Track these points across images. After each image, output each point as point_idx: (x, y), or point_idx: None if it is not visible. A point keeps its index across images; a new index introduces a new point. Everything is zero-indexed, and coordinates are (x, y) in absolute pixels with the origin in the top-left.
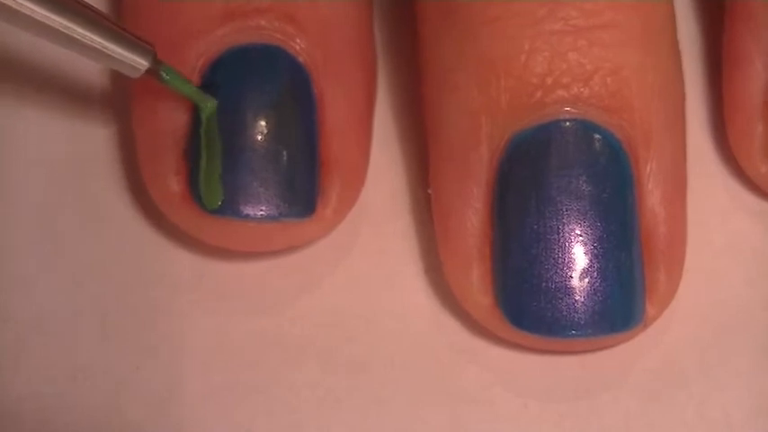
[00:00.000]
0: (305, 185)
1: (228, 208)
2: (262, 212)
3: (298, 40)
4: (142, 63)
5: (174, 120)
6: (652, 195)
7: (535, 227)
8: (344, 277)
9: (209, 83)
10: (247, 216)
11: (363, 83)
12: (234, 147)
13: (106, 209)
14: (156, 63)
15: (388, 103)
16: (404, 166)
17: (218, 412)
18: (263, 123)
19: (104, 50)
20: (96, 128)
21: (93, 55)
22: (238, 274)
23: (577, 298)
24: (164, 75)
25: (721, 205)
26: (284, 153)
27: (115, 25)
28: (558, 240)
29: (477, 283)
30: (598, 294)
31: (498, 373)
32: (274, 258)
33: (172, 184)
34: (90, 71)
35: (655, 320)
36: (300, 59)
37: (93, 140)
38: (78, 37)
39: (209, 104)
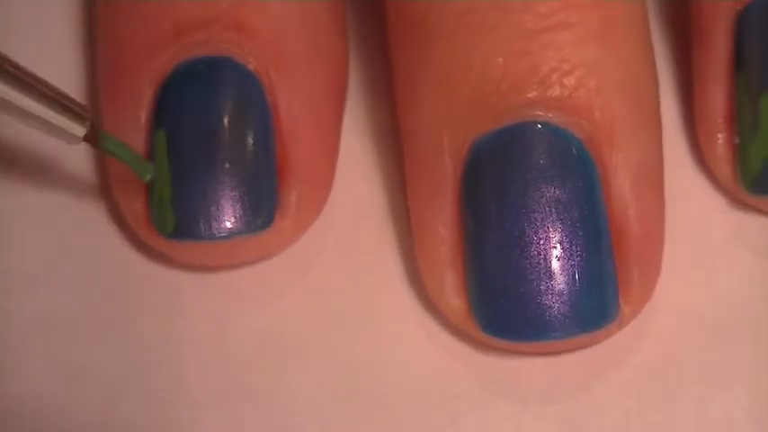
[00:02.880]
0: (260, 199)
1: (180, 231)
2: (213, 232)
3: (247, 48)
4: (78, 131)
5: (135, 142)
6: (620, 192)
7: (498, 233)
8: (344, 277)
9: (163, 104)
10: (199, 237)
11: (324, 84)
12: (182, 167)
13: (106, 209)
14: (94, 130)
15: (386, 99)
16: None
17: (217, 413)
18: (210, 140)
19: (37, 116)
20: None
21: (25, 120)
22: (237, 274)
23: (544, 301)
24: (102, 142)
25: (721, 203)
26: (235, 168)
27: (50, 91)
28: (521, 245)
29: (451, 291)
30: (565, 296)
31: (498, 373)
32: (275, 259)
33: (135, 206)
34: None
35: (632, 318)
36: (250, 67)
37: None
38: (10, 100)
39: (148, 173)
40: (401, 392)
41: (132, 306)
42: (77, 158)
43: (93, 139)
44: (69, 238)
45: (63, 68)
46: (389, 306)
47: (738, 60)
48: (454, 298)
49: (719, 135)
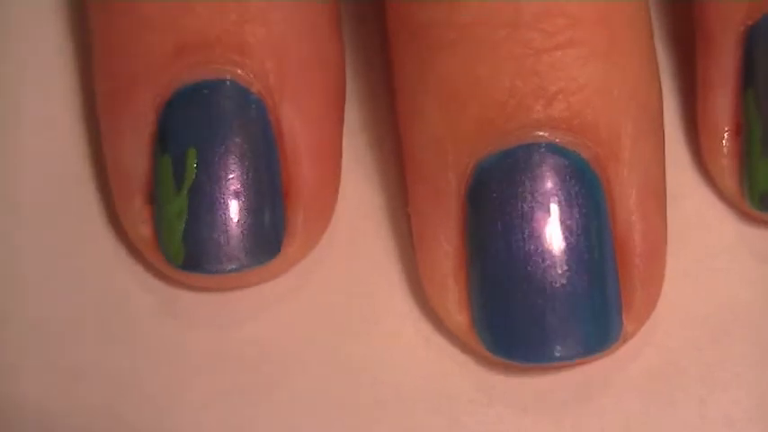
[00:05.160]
0: (269, 229)
1: (191, 265)
2: (224, 267)
3: (250, 70)
4: None
5: (138, 163)
6: (625, 211)
7: (502, 254)
8: (344, 278)
9: (167, 129)
10: (210, 272)
11: (324, 97)
12: (191, 199)
13: (105, 213)
14: None
15: (386, 100)
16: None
17: (217, 415)
18: (218, 171)
19: None
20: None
21: None
22: None
23: (548, 324)
24: None
25: (720, 207)
26: (244, 197)
27: None
28: (526, 267)
29: (454, 307)
30: (570, 319)
31: (498, 374)
32: None
33: (141, 229)
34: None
35: (634, 335)
36: (254, 89)
37: (93, 145)
38: None
39: None
40: (400, 395)
41: (132, 309)
42: (76, 162)
43: None
44: (68, 241)
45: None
46: (389, 309)
47: (748, 75)
48: (457, 313)
49: (725, 148)
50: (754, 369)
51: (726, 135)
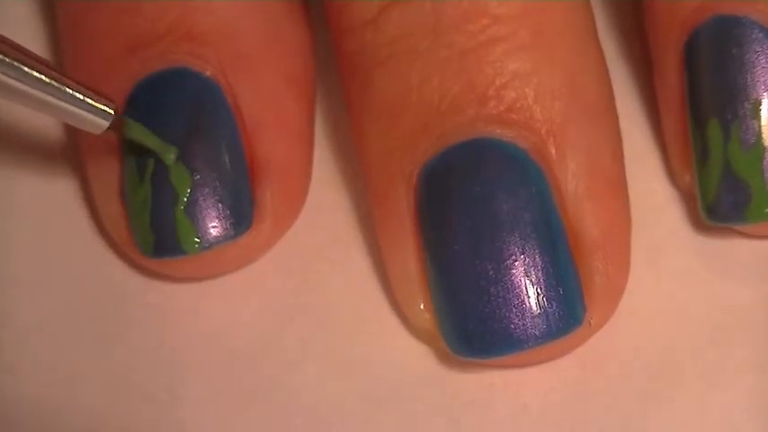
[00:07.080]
0: (235, 204)
1: (161, 250)
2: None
3: (201, 55)
4: (103, 121)
5: (111, 164)
6: (573, 194)
7: (453, 254)
8: (344, 277)
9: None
10: (180, 254)
11: (284, 75)
12: (153, 186)
13: None
14: (119, 120)
15: None
16: None
17: (217, 414)
18: (179, 154)
19: (66, 110)
20: None
21: (54, 113)
22: (238, 274)
23: (504, 316)
24: (127, 130)
25: None
26: (206, 179)
27: (76, 84)
28: (476, 263)
29: (423, 315)
30: (526, 307)
31: (497, 374)
32: (274, 259)
33: (119, 226)
34: None
35: (603, 319)
36: (207, 73)
37: None
38: (40, 96)
39: (172, 154)
40: (401, 394)
41: (130, 308)
42: (75, 164)
43: (118, 127)
44: (67, 241)
45: None
46: (389, 307)
47: (688, 89)
48: (427, 322)
49: (681, 166)
50: (754, 369)
51: (680, 153)
